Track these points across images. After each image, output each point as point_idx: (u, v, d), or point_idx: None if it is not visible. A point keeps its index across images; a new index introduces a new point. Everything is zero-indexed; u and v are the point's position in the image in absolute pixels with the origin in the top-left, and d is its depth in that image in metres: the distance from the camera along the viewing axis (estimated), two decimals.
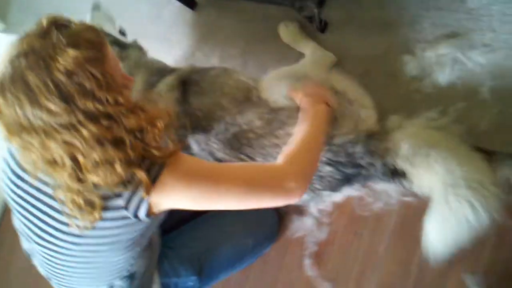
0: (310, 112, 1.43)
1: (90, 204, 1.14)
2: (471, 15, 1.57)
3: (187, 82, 1.68)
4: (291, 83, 1.58)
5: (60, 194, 1.14)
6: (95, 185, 1.11)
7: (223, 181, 1.21)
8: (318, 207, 1.71)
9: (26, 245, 1.44)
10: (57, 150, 1.06)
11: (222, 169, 1.27)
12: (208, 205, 1.23)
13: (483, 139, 1.49)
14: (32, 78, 1.01)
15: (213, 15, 2.18)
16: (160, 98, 1.64)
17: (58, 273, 1.38)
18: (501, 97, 1.50)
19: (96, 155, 1.07)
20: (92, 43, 1.08)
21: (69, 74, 1.02)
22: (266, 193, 1.23)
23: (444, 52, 1.58)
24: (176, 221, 1.72)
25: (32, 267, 1.53)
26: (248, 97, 1.61)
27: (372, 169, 1.48)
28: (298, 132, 1.38)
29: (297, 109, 1.50)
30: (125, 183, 1.14)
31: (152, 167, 1.16)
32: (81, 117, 1.04)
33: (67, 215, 1.18)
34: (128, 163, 1.11)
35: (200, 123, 1.60)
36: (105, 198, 1.15)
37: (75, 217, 1.17)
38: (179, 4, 2.22)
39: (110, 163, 1.09)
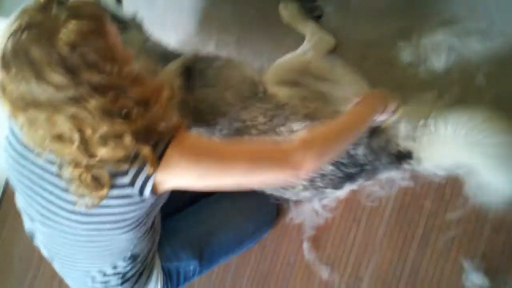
0: (354, 109, 1.40)
1: (98, 180, 1.14)
2: (467, 2, 1.58)
3: (191, 71, 1.65)
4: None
5: (67, 172, 1.14)
6: (103, 161, 1.11)
7: (228, 157, 1.20)
8: (322, 203, 1.71)
9: (29, 225, 1.43)
10: (64, 125, 1.05)
11: (228, 145, 1.28)
12: (214, 182, 1.23)
13: None
14: (35, 52, 1.00)
15: (208, 0, 2.14)
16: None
17: (62, 253, 1.39)
18: (497, 82, 1.51)
19: (103, 128, 1.07)
20: (93, 15, 1.07)
21: (72, 46, 1.01)
22: (272, 169, 1.21)
23: (440, 39, 1.59)
24: (177, 206, 1.73)
25: (34, 249, 1.53)
26: (254, 92, 1.59)
27: (377, 163, 1.49)
28: (336, 119, 1.37)
29: (303, 107, 1.50)
30: (131, 160, 1.14)
31: (157, 143, 1.16)
32: (87, 89, 1.03)
33: (74, 193, 1.17)
34: (136, 136, 1.11)
35: (204, 117, 1.58)
36: (111, 175, 1.14)
37: (82, 195, 1.16)
38: None
39: (118, 136, 1.09)
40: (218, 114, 1.56)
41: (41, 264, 1.63)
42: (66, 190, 1.20)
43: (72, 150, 1.08)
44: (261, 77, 1.64)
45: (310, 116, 1.47)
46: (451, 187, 1.55)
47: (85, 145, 1.08)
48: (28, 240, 1.53)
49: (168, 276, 1.61)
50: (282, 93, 1.57)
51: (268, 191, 1.69)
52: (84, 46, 1.02)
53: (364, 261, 1.69)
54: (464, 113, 1.39)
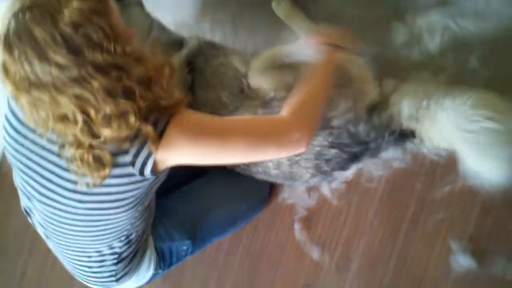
0: (319, 64, 1.42)
1: (100, 160, 1.16)
2: None
3: (193, 67, 1.65)
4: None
5: (69, 152, 1.16)
6: (106, 141, 1.13)
7: (228, 135, 1.22)
8: (331, 186, 1.72)
9: (26, 203, 1.45)
10: (68, 105, 1.07)
11: (228, 123, 1.28)
12: (214, 159, 1.26)
13: None
14: (38, 32, 1.01)
15: None
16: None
17: (59, 232, 1.40)
18: (491, 65, 1.50)
19: (107, 108, 1.08)
20: None
21: (75, 26, 1.02)
22: (271, 145, 1.24)
23: (435, 19, 1.59)
24: (170, 186, 1.71)
25: (30, 225, 1.55)
26: (241, 88, 1.59)
27: (380, 140, 1.49)
28: (303, 83, 1.36)
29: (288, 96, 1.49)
30: (131, 139, 1.16)
31: (157, 122, 1.18)
32: (90, 69, 1.04)
33: (75, 172, 1.19)
34: (139, 115, 1.13)
35: None
36: (113, 154, 1.16)
37: (84, 175, 1.18)
38: None
39: (121, 116, 1.10)
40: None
41: (36, 240, 1.65)
42: (66, 169, 1.22)
43: (75, 130, 1.10)
44: (247, 68, 1.63)
45: None
46: (442, 168, 1.56)
47: (89, 126, 1.10)
48: (23, 217, 1.55)
49: (161, 256, 1.64)
50: (265, 83, 1.56)
51: (277, 181, 1.71)
52: (87, 26, 1.03)
53: (354, 242, 1.71)
54: (459, 96, 1.38)
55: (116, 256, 1.46)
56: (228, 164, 1.65)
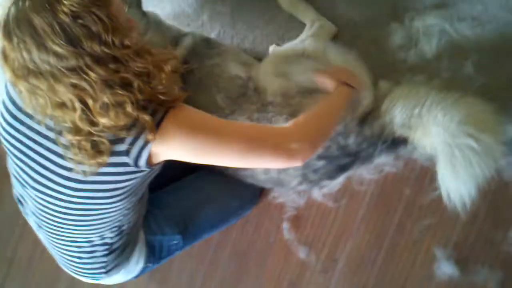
0: (332, 92, 1.44)
1: (97, 147, 1.18)
2: None
3: (187, 65, 1.64)
4: (314, 67, 1.55)
5: (66, 138, 1.18)
6: (104, 129, 1.15)
7: (225, 135, 1.22)
8: (322, 192, 1.74)
9: (19, 190, 1.46)
10: (65, 94, 1.09)
11: (226, 124, 1.28)
12: (208, 158, 1.26)
13: None
14: (37, 21, 1.03)
15: None
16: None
17: (51, 221, 1.42)
18: (485, 71, 1.51)
19: (105, 97, 1.10)
20: None
21: (74, 16, 1.04)
22: (267, 152, 1.23)
23: (432, 22, 1.58)
24: (163, 180, 1.74)
25: (20, 212, 1.57)
26: (242, 92, 1.60)
27: (371, 150, 1.50)
28: (317, 105, 1.38)
29: (286, 105, 1.51)
30: (129, 127, 1.17)
31: (156, 112, 1.19)
32: (88, 60, 1.06)
33: (71, 160, 1.21)
34: (137, 105, 1.14)
35: None
36: (110, 142, 1.17)
37: (80, 162, 1.20)
38: None
39: (120, 105, 1.12)
40: None
41: (26, 227, 1.69)
42: (62, 156, 1.24)
43: (74, 117, 1.12)
44: (254, 70, 1.64)
45: (293, 115, 1.46)
46: (432, 176, 1.56)
47: (87, 114, 1.12)
48: (14, 204, 1.58)
49: (151, 249, 1.65)
50: (271, 86, 1.57)
51: (265, 186, 1.73)
52: (86, 17, 1.05)
53: (341, 244, 1.73)
54: (450, 109, 1.39)
55: (107, 247, 1.48)
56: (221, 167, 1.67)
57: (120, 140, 1.19)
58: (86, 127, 1.13)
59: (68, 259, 1.53)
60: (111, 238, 1.46)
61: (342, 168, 1.55)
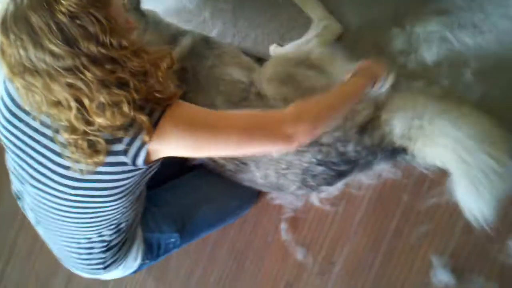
0: (349, 79, 1.43)
1: (94, 147, 1.19)
2: None
3: (185, 68, 1.65)
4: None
5: (63, 137, 1.19)
6: (101, 128, 1.16)
7: (222, 128, 1.23)
8: (320, 196, 1.75)
9: (17, 187, 1.48)
10: (61, 93, 1.10)
11: (222, 116, 1.29)
12: (206, 151, 1.29)
13: None
14: (35, 19, 1.04)
15: None
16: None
17: (49, 217, 1.44)
18: (485, 80, 1.51)
19: (101, 97, 1.11)
20: None
21: (72, 16, 1.04)
22: (264, 140, 1.24)
23: (433, 29, 1.58)
24: (162, 178, 1.76)
25: (19, 207, 1.57)
26: (243, 96, 1.59)
27: (371, 158, 1.51)
28: (330, 90, 1.38)
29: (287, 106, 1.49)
30: (126, 127, 1.18)
31: (152, 112, 1.20)
32: (84, 60, 1.07)
33: (68, 158, 1.23)
34: (133, 105, 1.16)
35: None
36: (107, 142, 1.18)
37: (78, 161, 1.22)
38: None
39: (116, 105, 1.13)
40: None
41: (25, 220, 1.70)
42: (59, 154, 1.25)
43: (69, 117, 1.13)
44: (256, 74, 1.63)
45: None
46: (430, 181, 1.58)
47: (83, 114, 1.13)
48: (13, 199, 1.60)
49: (149, 246, 1.68)
50: (272, 91, 1.57)
51: (263, 190, 1.74)
52: (83, 17, 1.06)
53: (338, 247, 1.75)
54: (454, 120, 1.40)
55: (105, 244, 1.50)
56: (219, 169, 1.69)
57: (118, 140, 1.20)
58: (81, 126, 1.15)
59: (67, 255, 1.55)
60: (109, 235, 1.48)
61: (341, 175, 1.56)
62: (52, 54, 1.05)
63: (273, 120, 1.27)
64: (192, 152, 1.27)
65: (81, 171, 1.24)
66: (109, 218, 1.43)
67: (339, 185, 1.67)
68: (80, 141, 1.17)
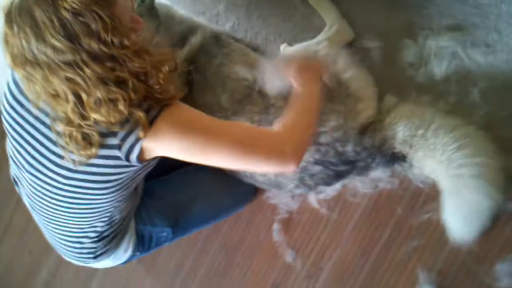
0: (302, 92, 1.42)
1: (88, 140, 1.21)
2: (479, 11, 1.53)
3: (195, 66, 1.66)
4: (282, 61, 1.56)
5: (59, 127, 1.21)
6: (96, 122, 1.18)
7: (217, 136, 1.24)
8: (318, 197, 1.76)
9: (15, 172, 1.50)
10: (59, 86, 1.12)
11: (220, 126, 1.29)
12: (199, 158, 1.27)
13: None
14: (38, 13, 1.06)
15: None
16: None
17: (43, 205, 1.46)
18: (491, 100, 1.50)
19: (99, 93, 1.13)
20: None
21: (75, 13, 1.06)
22: (259, 157, 1.25)
23: (445, 44, 1.57)
24: (159, 170, 1.75)
25: (15, 195, 1.60)
26: (246, 94, 1.61)
27: (370, 160, 1.52)
28: (291, 107, 1.38)
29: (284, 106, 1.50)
30: (122, 122, 1.20)
31: (150, 109, 1.22)
32: (85, 56, 1.09)
33: (62, 148, 1.25)
34: (130, 103, 1.17)
35: None
36: (101, 135, 1.20)
37: (71, 151, 1.23)
38: None
39: (112, 102, 1.15)
40: None
41: (20, 202, 1.73)
42: (55, 143, 1.27)
43: (66, 109, 1.15)
44: (260, 71, 1.63)
45: None
46: (426, 196, 1.58)
47: (79, 108, 1.15)
48: (9, 180, 1.62)
49: (140, 239, 1.69)
50: (274, 89, 1.58)
51: (262, 187, 1.76)
52: (86, 15, 1.07)
53: (328, 252, 1.76)
54: (457, 138, 1.41)
55: (97, 234, 1.52)
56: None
57: (113, 134, 1.21)
58: (77, 119, 1.16)
59: (58, 242, 1.57)
60: (102, 227, 1.50)
61: (339, 175, 1.57)
62: (53, 48, 1.07)
63: (270, 138, 1.28)
64: (184, 156, 1.26)
65: (73, 161, 1.26)
66: (102, 211, 1.44)
67: (338, 186, 1.68)
68: (75, 133, 1.19)
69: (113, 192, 1.37)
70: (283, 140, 1.26)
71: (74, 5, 1.05)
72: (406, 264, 1.60)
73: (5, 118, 1.37)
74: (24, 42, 1.08)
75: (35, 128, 1.30)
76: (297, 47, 1.75)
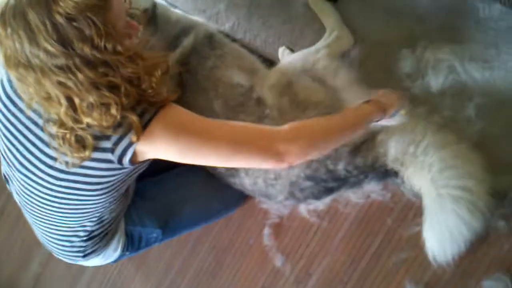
0: (357, 107, 1.39)
1: (81, 142, 1.21)
2: (479, 26, 1.54)
3: (187, 68, 1.65)
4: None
5: (52, 129, 1.21)
6: (88, 125, 1.18)
7: (212, 138, 1.24)
8: (308, 208, 1.76)
9: (6, 169, 1.50)
10: (52, 89, 1.12)
11: (214, 126, 1.28)
12: (194, 159, 1.27)
13: None
14: (32, 17, 1.06)
15: None
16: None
17: (33, 204, 1.47)
18: (486, 116, 1.51)
19: (91, 98, 1.13)
20: None
21: (69, 18, 1.06)
22: (254, 155, 1.24)
23: (443, 57, 1.57)
24: (150, 170, 1.73)
25: (3, 194, 1.61)
26: (240, 102, 1.60)
27: (362, 177, 1.53)
28: (328, 116, 1.36)
29: (280, 120, 1.50)
30: (115, 126, 1.20)
31: (144, 113, 1.22)
32: (77, 61, 1.09)
33: (55, 149, 1.25)
34: (123, 107, 1.17)
35: None
36: (95, 138, 1.20)
37: (64, 153, 1.24)
38: None
39: (105, 106, 1.15)
40: None
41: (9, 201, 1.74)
42: (47, 144, 1.27)
43: (59, 111, 1.16)
44: (260, 79, 1.63)
45: None
46: (416, 209, 1.59)
47: (72, 112, 1.15)
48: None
49: (130, 238, 1.70)
50: (271, 99, 1.58)
51: (252, 195, 1.75)
52: (81, 20, 1.07)
53: (318, 259, 1.77)
54: (446, 152, 1.41)
55: (86, 233, 1.53)
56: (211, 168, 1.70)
57: (106, 137, 1.22)
58: (70, 122, 1.17)
59: (48, 240, 1.58)
60: (91, 226, 1.51)
61: (329, 190, 1.58)
62: (46, 51, 1.06)
63: (266, 136, 1.26)
64: (179, 158, 1.26)
65: (66, 163, 1.26)
66: (92, 211, 1.45)
67: (327, 200, 1.68)
68: (68, 135, 1.19)
69: (103, 194, 1.38)
70: (278, 138, 1.23)
71: (68, 10, 1.05)
72: (394, 275, 1.61)
73: None
74: (17, 44, 1.08)
75: (27, 128, 1.31)
76: (296, 55, 1.75)
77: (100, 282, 2.37)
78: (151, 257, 2.10)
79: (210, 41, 1.72)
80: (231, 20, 2.06)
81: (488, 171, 1.37)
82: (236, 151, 1.24)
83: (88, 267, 2.34)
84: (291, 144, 1.24)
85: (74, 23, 1.06)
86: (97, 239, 1.56)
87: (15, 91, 1.29)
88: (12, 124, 1.33)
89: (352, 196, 1.68)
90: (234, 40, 1.91)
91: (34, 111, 1.26)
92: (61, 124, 1.18)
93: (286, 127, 1.27)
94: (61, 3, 1.05)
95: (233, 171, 1.63)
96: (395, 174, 1.50)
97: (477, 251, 1.44)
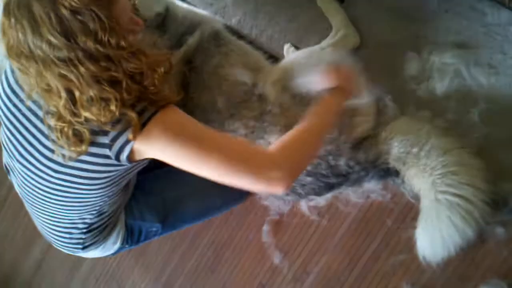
0: (324, 101, 1.39)
1: (78, 136, 1.21)
2: (486, 30, 1.53)
3: (192, 66, 1.65)
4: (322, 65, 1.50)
5: (51, 121, 1.21)
6: (86, 120, 1.18)
7: (207, 149, 1.21)
8: (309, 204, 1.77)
9: (7, 160, 1.51)
10: (53, 81, 1.12)
11: (212, 136, 1.25)
12: (186, 167, 1.25)
13: None
14: (37, 8, 1.06)
15: None
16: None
17: (33, 195, 1.48)
18: (490, 122, 1.50)
19: (91, 92, 1.13)
20: None
21: (73, 11, 1.06)
22: (246, 174, 1.21)
23: (449, 61, 1.56)
24: (152, 164, 1.74)
25: (7, 181, 1.62)
26: (243, 98, 1.59)
27: (363, 174, 1.53)
28: (303, 121, 1.34)
29: (282, 116, 1.50)
30: (114, 122, 1.20)
31: (144, 111, 1.22)
32: (80, 54, 1.09)
33: (53, 142, 1.25)
34: (123, 103, 1.17)
35: None
36: (93, 132, 1.20)
37: (61, 146, 1.24)
38: None
39: (105, 101, 1.15)
40: (207, 122, 1.50)
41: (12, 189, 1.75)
42: (47, 136, 1.28)
43: (58, 104, 1.16)
44: (263, 76, 1.63)
45: (287, 126, 1.44)
46: (416, 211, 1.59)
47: (71, 105, 1.15)
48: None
49: (129, 232, 1.70)
50: (273, 96, 1.57)
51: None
52: (85, 13, 1.07)
53: (315, 258, 1.78)
54: (449, 156, 1.41)
55: (86, 225, 1.53)
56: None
57: (104, 133, 1.22)
58: (68, 116, 1.17)
59: (48, 231, 1.59)
60: (91, 219, 1.51)
61: (331, 187, 1.58)
62: (49, 43, 1.07)
63: (259, 157, 1.23)
64: (173, 161, 1.25)
65: (63, 156, 1.26)
66: (91, 204, 1.45)
67: (329, 195, 1.69)
68: (66, 129, 1.19)
69: (102, 188, 1.38)
70: (273, 163, 1.21)
71: (73, 3, 1.05)
72: (391, 277, 1.61)
73: (0, 107, 1.38)
74: (20, 35, 1.08)
75: (28, 119, 1.31)
76: (301, 52, 1.74)
77: (99, 274, 2.39)
78: (151, 249, 2.11)
79: (215, 39, 1.72)
80: (238, 15, 2.06)
81: (488, 180, 1.37)
82: (227, 168, 1.21)
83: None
84: (284, 169, 1.21)
85: (79, 16, 1.06)
86: (97, 231, 1.57)
87: (17, 82, 1.30)
88: (13, 114, 1.34)
89: (352, 195, 1.68)
90: (240, 36, 1.90)
91: (34, 102, 1.26)
92: (59, 117, 1.18)
93: (273, 149, 1.25)
94: None
95: None
96: (396, 173, 1.50)
97: (475, 256, 1.45)
